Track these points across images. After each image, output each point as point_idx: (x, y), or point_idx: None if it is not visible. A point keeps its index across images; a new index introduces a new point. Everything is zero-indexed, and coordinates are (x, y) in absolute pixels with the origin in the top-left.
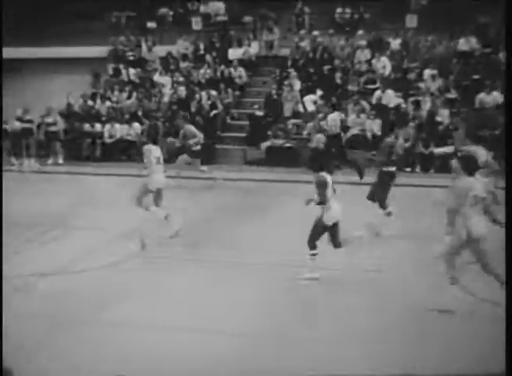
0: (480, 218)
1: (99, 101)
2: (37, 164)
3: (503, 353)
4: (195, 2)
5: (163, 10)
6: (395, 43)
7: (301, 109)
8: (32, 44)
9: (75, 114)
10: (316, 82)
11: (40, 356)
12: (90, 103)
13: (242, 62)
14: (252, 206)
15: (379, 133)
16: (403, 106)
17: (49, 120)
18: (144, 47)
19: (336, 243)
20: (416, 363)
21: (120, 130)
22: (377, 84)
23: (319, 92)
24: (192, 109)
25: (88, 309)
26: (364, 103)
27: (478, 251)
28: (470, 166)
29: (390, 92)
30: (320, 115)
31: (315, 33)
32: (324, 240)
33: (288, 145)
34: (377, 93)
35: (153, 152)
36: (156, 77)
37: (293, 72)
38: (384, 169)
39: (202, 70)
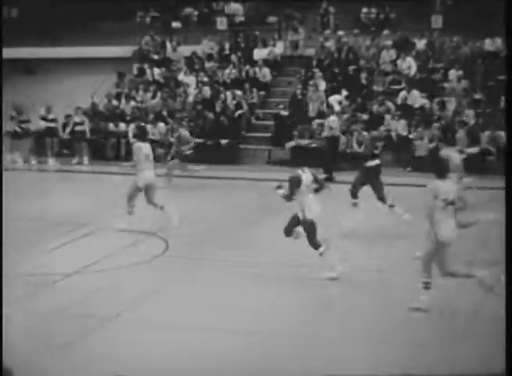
0: (449, 222)
1: (123, 101)
2: (57, 164)
3: (503, 353)
4: (220, 2)
5: (188, 10)
6: (421, 43)
7: (326, 109)
8: (57, 44)
9: (100, 114)
10: (341, 82)
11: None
12: (115, 102)
13: (267, 62)
14: (273, 206)
15: (404, 133)
16: (428, 106)
17: (77, 119)
18: (169, 47)
19: (312, 244)
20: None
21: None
22: (402, 85)
23: (344, 93)
24: (217, 109)
25: (113, 308)
26: (389, 104)
27: (442, 252)
28: (441, 169)
29: (415, 92)
30: (345, 116)
31: (340, 33)
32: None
33: (313, 145)
34: (402, 94)
35: (143, 149)
36: (181, 77)
37: (318, 72)
38: (368, 164)
39: (227, 70)
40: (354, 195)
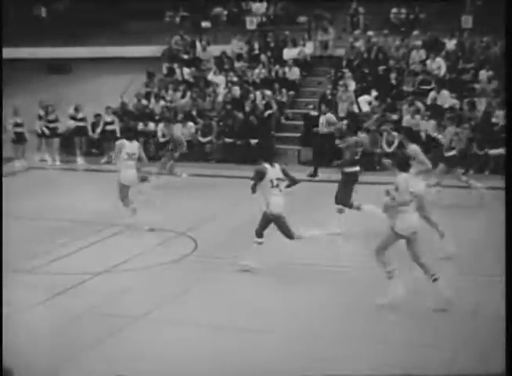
0: (411, 215)
1: (153, 100)
2: (86, 163)
3: (503, 353)
4: (249, 2)
5: (217, 10)
6: (451, 44)
7: (355, 109)
8: (87, 43)
9: (129, 113)
10: (371, 83)
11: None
12: (144, 102)
13: (297, 62)
14: (299, 207)
15: (433, 134)
16: (458, 107)
17: (108, 119)
18: (198, 46)
19: (287, 235)
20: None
21: (173, 129)
22: (432, 85)
23: (374, 93)
24: (247, 108)
25: (140, 307)
26: (419, 104)
27: (411, 244)
28: (403, 164)
29: (445, 92)
30: (375, 116)
31: (370, 33)
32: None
33: (342, 145)
34: (432, 94)
35: (126, 148)
36: (211, 77)
37: (347, 72)
38: (347, 170)
39: (257, 70)
40: (351, 205)
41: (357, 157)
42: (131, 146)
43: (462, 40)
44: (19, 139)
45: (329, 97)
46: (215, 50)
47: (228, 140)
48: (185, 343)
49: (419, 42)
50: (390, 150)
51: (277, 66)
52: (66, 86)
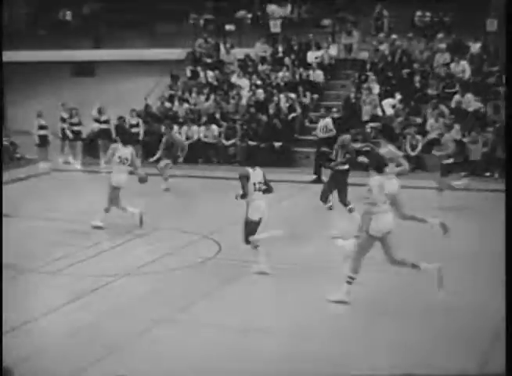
0: (384, 215)
1: (176, 103)
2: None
3: (503, 353)
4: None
5: (241, 13)
6: (475, 47)
7: (379, 112)
8: (111, 46)
9: (153, 116)
10: (395, 86)
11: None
12: (168, 104)
13: (321, 65)
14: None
15: (458, 137)
16: (482, 110)
17: (133, 121)
18: (222, 49)
19: (245, 240)
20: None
21: (197, 132)
22: (456, 88)
23: (398, 96)
24: (271, 111)
25: (168, 309)
26: (443, 107)
27: (385, 245)
28: (378, 164)
29: (469, 96)
30: (399, 119)
31: (394, 36)
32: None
33: (366, 148)
34: (456, 97)
35: (118, 152)
36: (234, 80)
37: (372, 75)
38: (339, 168)
39: (281, 73)
40: (325, 200)
41: (348, 156)
42: (124, 152)
43: (486, 43)
44: (43, 141)
45: (353, 100)
46: (239, 53)
47: (251, 143)
48: (209, 345)
49: (443, 45)
50: (413, 154)
51: (301, 69)
52: (89, 89)
